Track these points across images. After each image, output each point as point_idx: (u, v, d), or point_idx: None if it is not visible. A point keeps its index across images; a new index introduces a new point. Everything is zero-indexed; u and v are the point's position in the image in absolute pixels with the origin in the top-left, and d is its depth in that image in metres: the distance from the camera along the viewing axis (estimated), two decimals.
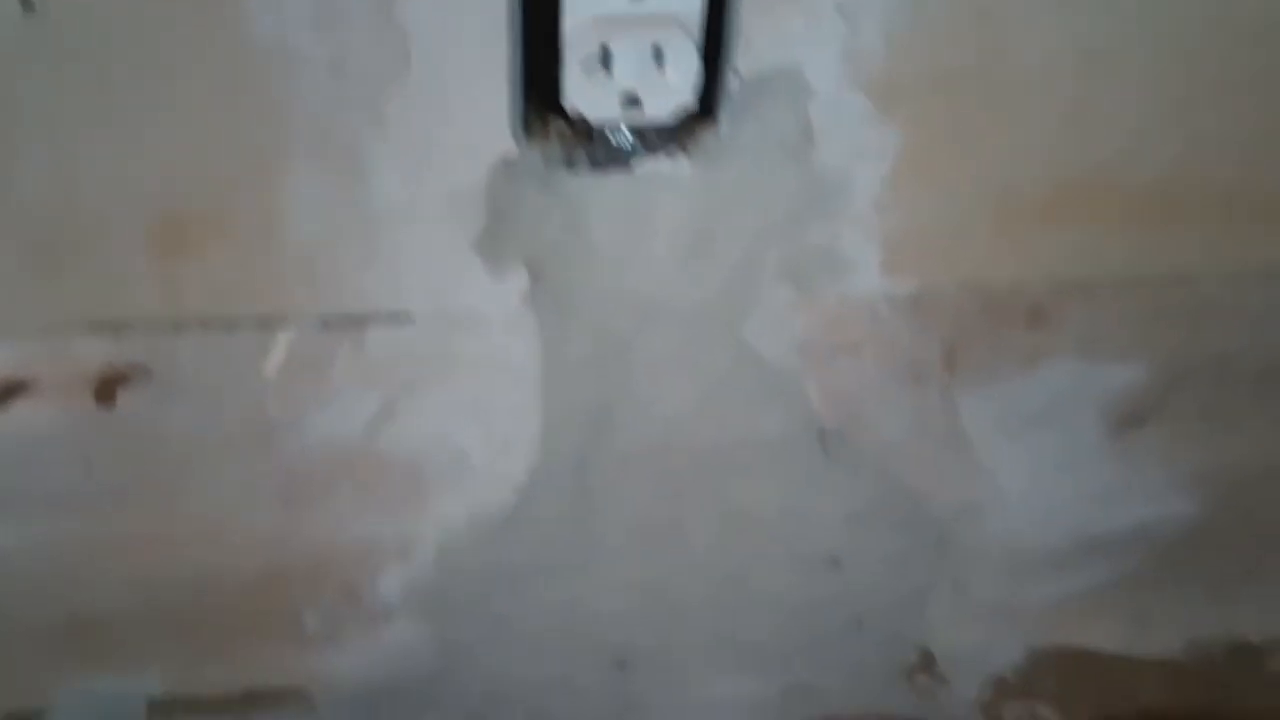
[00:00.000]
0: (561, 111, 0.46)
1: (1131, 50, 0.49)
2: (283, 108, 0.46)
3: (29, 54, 0.44)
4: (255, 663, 0.73)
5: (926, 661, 0.83)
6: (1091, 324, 0.60)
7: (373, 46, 0.44)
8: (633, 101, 0.46)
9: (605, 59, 0.44)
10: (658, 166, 0.49)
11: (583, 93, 0.45)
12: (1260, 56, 0.50)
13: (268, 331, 0.54)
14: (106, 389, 0.54)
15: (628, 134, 0.48)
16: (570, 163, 0.49)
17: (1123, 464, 0.68)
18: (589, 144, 0.48)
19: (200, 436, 0.58)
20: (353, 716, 0.80)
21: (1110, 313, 0.59)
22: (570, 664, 0.79)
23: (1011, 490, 0.69)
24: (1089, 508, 0.71)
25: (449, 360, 0.56)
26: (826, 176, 0.51)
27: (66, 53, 0.44)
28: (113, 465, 0.59)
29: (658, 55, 0.44)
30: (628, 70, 0.45)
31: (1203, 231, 0.56)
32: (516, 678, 0.78)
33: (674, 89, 0.45)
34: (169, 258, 0.50)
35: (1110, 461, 0.67)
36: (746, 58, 0.46)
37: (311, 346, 0.54)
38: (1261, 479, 0.71)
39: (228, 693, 0.75)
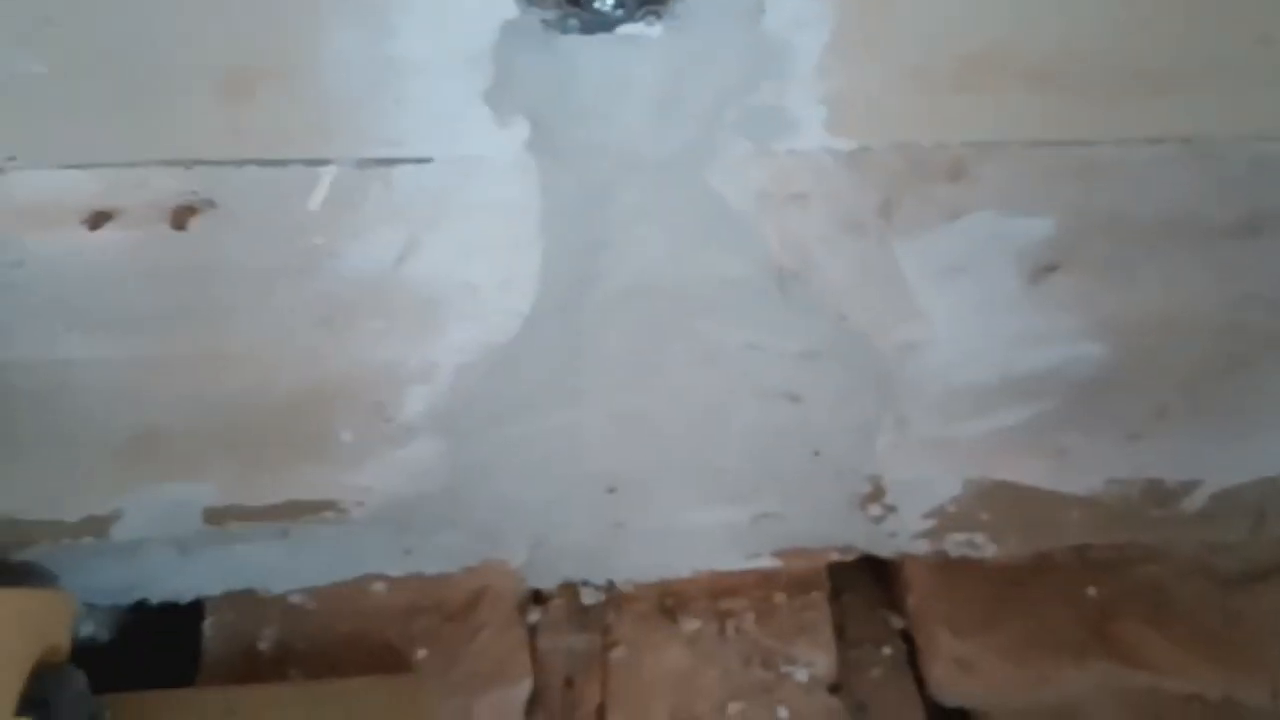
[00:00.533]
0: None
1: None
2: None
3: None
4: (296, 477, 0.86)
5: (877, 491, 0.96)
6: (1005, 181, 0.71)
7: None
8: None
9: None
10: (634, 29, 0.60)
11: None
12: None
13: (313, 170, 0.65)
14: (179, 218, 0.66)
15: (610, 2, 0.59)
16: (563, 27, 0.59)
17: (1037, 309, 0.79)
18: (579, 10, 0.59)
19: (254, 263, 0.69)
20: (382, 531, 0.93)
21: (1021, 171, 0.70)
22: (567, 487, 0.92)
23: (943, 331, 0.80)
24: (1010, 350, 0.82)
25: (463, 200, 0.67)
26: (774, 43, 0.61)
27: None
28: (179, 288, 0.70)
29: None
30: None
31: (1097, 99, 0.67)
32: (521, 494, 0.91)
33: None
34: (234, 104, 0.61)
35: (1026, 307, 0.79)
36: None
37: (349, 184, 0.66)
38: (1160, 326, 0.82)
39: (273, 504, 0.88)
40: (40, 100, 0.60)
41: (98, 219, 0.66)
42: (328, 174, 0.65)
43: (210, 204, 0.66)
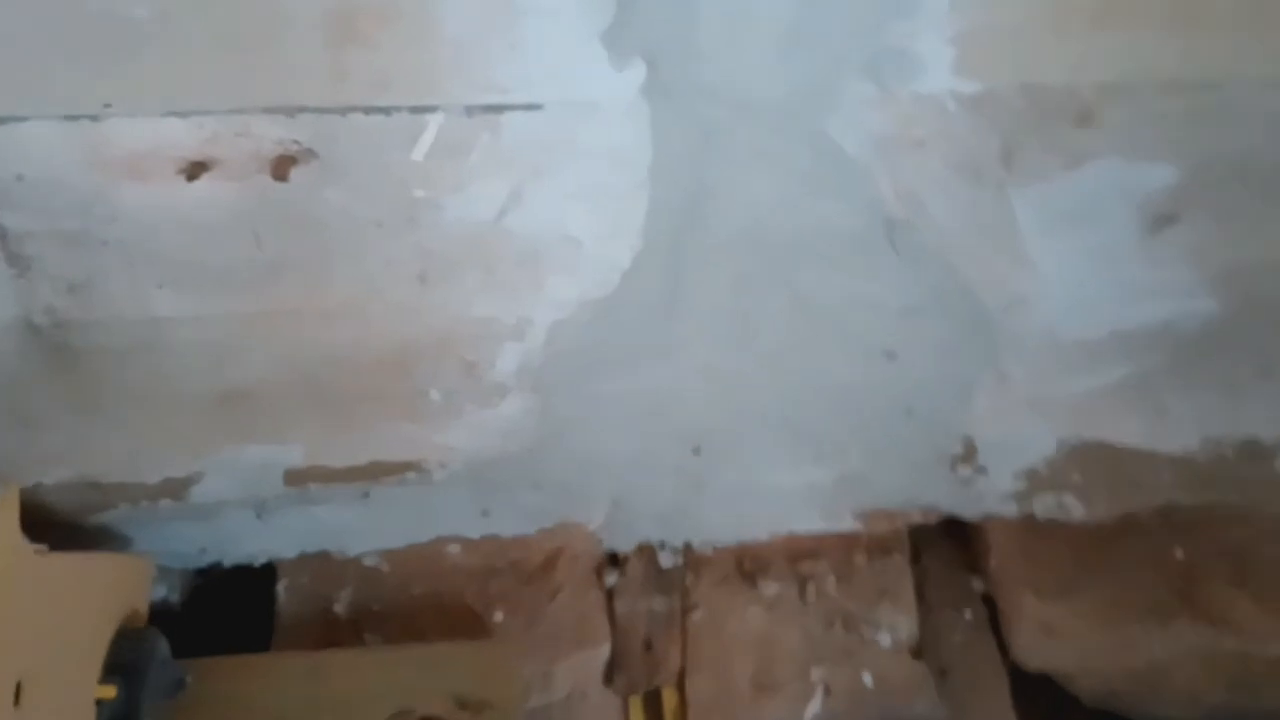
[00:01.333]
0: None
1: None
2: None
3: None
4: (382, 437, 0.84)
5: (969, 452, 0.93)
6: (1133, 125, 0.68)
7: None
8: None
9: None
10: None
11: None
12: None
13: (419, 118, 0.62)
14: (280, 168, 0.63)
15: None
16: None
17: (1154, 262, 0.76)
18: None
19: (354, 214, 0.67)
20: (462, 492, 0.91)
21: (1149, 115, 0.67)
22: (652, 444, 0.90)
23: (1053, 284, 0.77)
24: (1121, 304, 0.79)
25: (572, 148, 0.65)
26: None
27: None
28: (278, 240, 0.68)
29: None
30: None
31: (1234, 38, 0.64)
32: (605, 453, 0.89)
33: None
34: (339, 47, 0.59)
35: (1143, 259, 0.76)
36: None
37: (456, 132, 0.63)
38: (1276, 280, 0.79)
39: (356, 464, 0.86)
40: (139, 45, 0.58)
41: (195, 169, 0.63)
42: (434, 122, 0.62)
43: (312, 154, 0.63)
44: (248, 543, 0.96)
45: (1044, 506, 1.00)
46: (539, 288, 0.73)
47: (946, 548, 1.07)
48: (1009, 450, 0.93)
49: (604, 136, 0.64)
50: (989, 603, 1.05)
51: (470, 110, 0.62)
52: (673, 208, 0.69)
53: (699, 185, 0.68)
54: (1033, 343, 0.82)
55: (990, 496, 0.98)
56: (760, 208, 0.71)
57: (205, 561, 0.97)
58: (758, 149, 0.67)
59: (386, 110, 0.62)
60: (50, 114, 0.60)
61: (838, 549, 1.03)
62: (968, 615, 1.04)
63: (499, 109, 0.62)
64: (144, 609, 0.84)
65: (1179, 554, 1.05)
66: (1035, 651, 1.01)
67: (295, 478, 0.86)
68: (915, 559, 1.05)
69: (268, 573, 0.99)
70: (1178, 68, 0.65)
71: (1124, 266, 0.76)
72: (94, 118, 0.60)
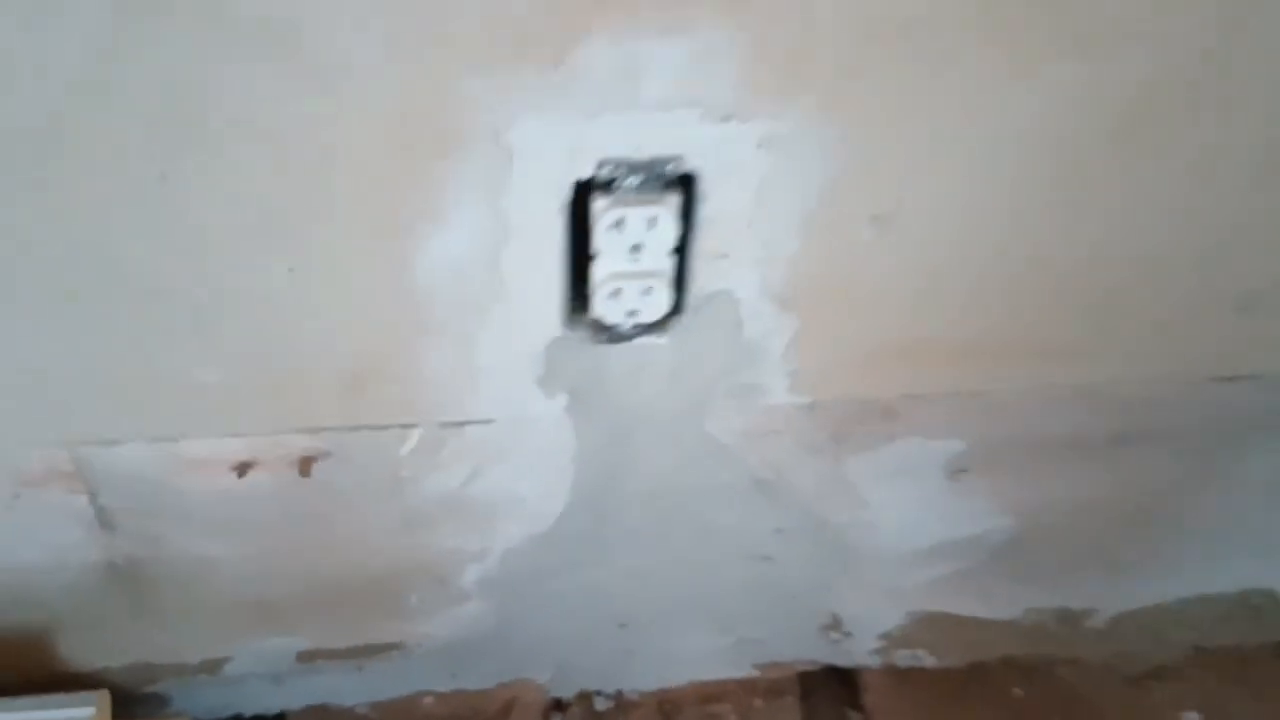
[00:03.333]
0: (591, 315, 0.79)
1: (951, 280, 0.81)
2: (423, 307, 0.78)
3: None
4: (373, 628, 1.08)
5: (836, 622, 1.18)
6: (925, 417, 0.93)
7: (488, 286, 0.76)
8: (632, 313, 0.78)
9: (617, 294, 0.77)
10: (646, 341, 0.82)
11: (604, 311, 0.78)
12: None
13: (406, 430, 0.87)
14: (305, 465, 0.88)
15: (628, 326, 0.81)
16: (595, 340, 0.81)
17: (956, 498, 1.01)
18: (606, 331, 0.81)
19: (357, 489, 0.91)
20: (435, 661, 1.14)
21: (937, 411, 0.93)
22: (586, 625, 1.14)
23: (886, 514, 1.02)
24: (937, 525, 1.05)
25: (517, 445, 0.89)
26: (750, 345, 0.83)
27: None
28: (300, 507, 0.92)
29: (647, 291, 0.77)
30: (629, 298, 0.77)
31: (990, 367, 0.89)
32: (549, 634, 1.13)
33: (656, 308, 0.78)
34: (349, 392, 0.83)
35: (949, 497, 1.01)
36: (698, 285, 0.79)
37: (432, 438, 0.87)
38: (1055, 508, 1.04)
39: (352, 646, 1.09)
40: (207, 395, 0.82)
41: (243, 468, 0.87)
42: (416, 433, 0.87)
43: (328, 454, 0.88)
44: (265, 700, 1.19)
45: (902, 658, 1.24)
46: (494, 529, 0.98)
47: (830, 688, 1.31)
48: (867, 621, 1.18)
49: (539, 438, 0.89)
50: None
51: (443, 425, 0.87)
52: (593, 476, 0.94)
53: (612, 463, 0.93)
54: (875, 552, 1.07)
55: (858, 652, 1.23)
56: (661, 474, 0.95)
57: (229, 714, 1.20)
58: (657, 441, 0.91)
59: (383, 427, 0.86)
60: (140, 438, 0.84)
61: (740, 692, 1.27)
62: None
63: (462, 424, 0.87)
64: None
65: (1018, 692, 1.30)
66: None
67: (305, 656, 1.10)
68: (805, 697, 1.29)
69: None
70: (954, 384, 0.90)
71: (936, 501, 1.02)
72: (172, 440, 0.84)
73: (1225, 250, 0.82)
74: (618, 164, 0.69)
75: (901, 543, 1.06)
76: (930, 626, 1.19)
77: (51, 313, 0.73)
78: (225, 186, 0.67)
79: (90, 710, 0.89)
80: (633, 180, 0.70)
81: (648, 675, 1.24)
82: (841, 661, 1.25)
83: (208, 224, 0.69)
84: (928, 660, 1.25)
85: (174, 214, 0.68)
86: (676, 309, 0.80)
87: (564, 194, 0.70)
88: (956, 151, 0.71)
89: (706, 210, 0.73)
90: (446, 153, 0.66)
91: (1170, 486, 1.05)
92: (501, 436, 0.89)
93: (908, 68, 0.65)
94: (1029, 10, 0.64)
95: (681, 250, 0.75)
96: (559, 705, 1.26)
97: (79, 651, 1.05)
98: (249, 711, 1.20)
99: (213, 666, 1.09)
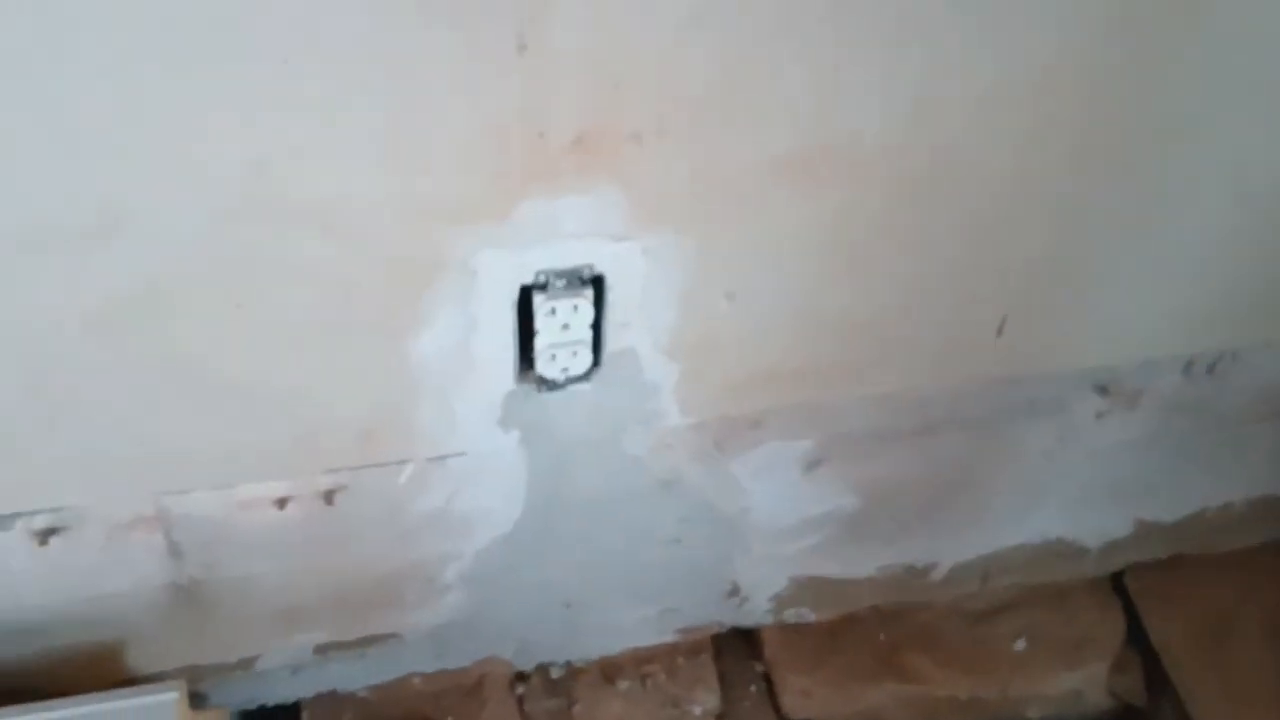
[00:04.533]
0: (536, 373, 1.11)
1: (781, 329, 1.15)
2: (416, 380, 1.09)
3: None
4: (376, 620, 1.38)
5: (735, 589, 1.51)
6: (783, 424, 1.27)
7: (462, 361, 1.08)
8: (565, 369, 1.11)
9: (554, 357, 1.09)
10: (577, 388, 1.14)
11: (545, 368, 1.10)
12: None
13: (402, 465, 1.18)
14: (329, 497, 1.18)
15: (562, 379, 1.13)
16: (539, 390, 1.14)
17: (814, 484, 1.35)
18: (546, 383, 1.13)
19: (367, 512, 1.22)
20: (423, 646, 1.45)
21: (789, 420, 1.27)
22: (541, 608, 1.45)
23: (762, 500, 1.36)
24: (801, 506, 1.38)
25: (485, 470, 1.21)
26: (649, 385, 1.16)
27: None
28: (325, 529, 1.22)
29: (575, 354, 1.10)
30: (562, 359, 1.10)
31: (820, 385, 1.23)
32: (511, 616, 1.44)
33: (581, 364, 1.11)
34: (362, 441, 1.14)
35: (807, 484, 1.35)
36: (610, 346, 1.12)
37: (422, 470, 1.19)
38: (888, 486, 1.39)
39: (360, 637, 1.39)
40: (258, 450, 1.12)
41: (283, 502, 1.17)
42: (410, 467, 1.18)
43: (345, 487, 1.18)
44: (284, 690, 1.48)
45: (790, 615, 1.58)
46: (469, 535, 1.29)
47: (737, 645, 1.64)
48: (759, 586, 1.51)
49: (501, 464, 1.21)
50: (767, 679, 1.62)
51: (430, 459, 1.18)
52: (542, 490, 1.26)
53: (556, 479, 1.25)
54: (758, 531, 1.41)
55: (756, 613, 1.56)
56: (593, 485, 1.28)
57: (255, 704, 1.49)
58: (586, 460, 1.24)
59: (385, 465, 1.17)
60: (205, 487, 1.14)
61: (666, 655, 1.59)
62: (753, 689, 1.61)
63: (444, 457, 1.19)
64: None
65: (883, 636, 1.64)
66: (797, 709, 1.59)
67: (320, 649, 1.39)
68: (718, 655, 1.62)
69: (294, 707, 1.51)
70: (798, 399, 1.24)
71: (798, 488, 1.35)
72: (229, 486, 1.14)
73: (975, 295, 1.17)
74: (550, 273, 1.02)
75: (776, 521, 1.40)
76: (808, 587, 1.53)
77: (152, 405, 1.03)
78: (284, 313, 0.98)
79: (175, 694, 1.17)
80: (560, 282, 1.03)
81: (591, 646, 1.55)
82: (744, 622, 1.59)
83: (269, 339, 1.00)
84: (810, 615, 1.59)
85: (245, 336, 0.99)
86: (596, 364, 1.12)
87: (513, 295, 1.03)
88: (771, 247, 1.05)
89: (612, 297, 1.06)
90: (431, 281, 0.99)
91: (974, 461, 1.40)
92: (473, 465, 1.20)
93: (732, 204, 0.99)
94: (805, 167, 0.98)
95: (597, 324, 1.08)
96: (521, 677, 1.57)
97: (141, 660, 1.33)
98: (271, 701, 1.49)
99: (247, 664, 1.38)
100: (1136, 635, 1.65)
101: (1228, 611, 1.66)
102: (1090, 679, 1.63)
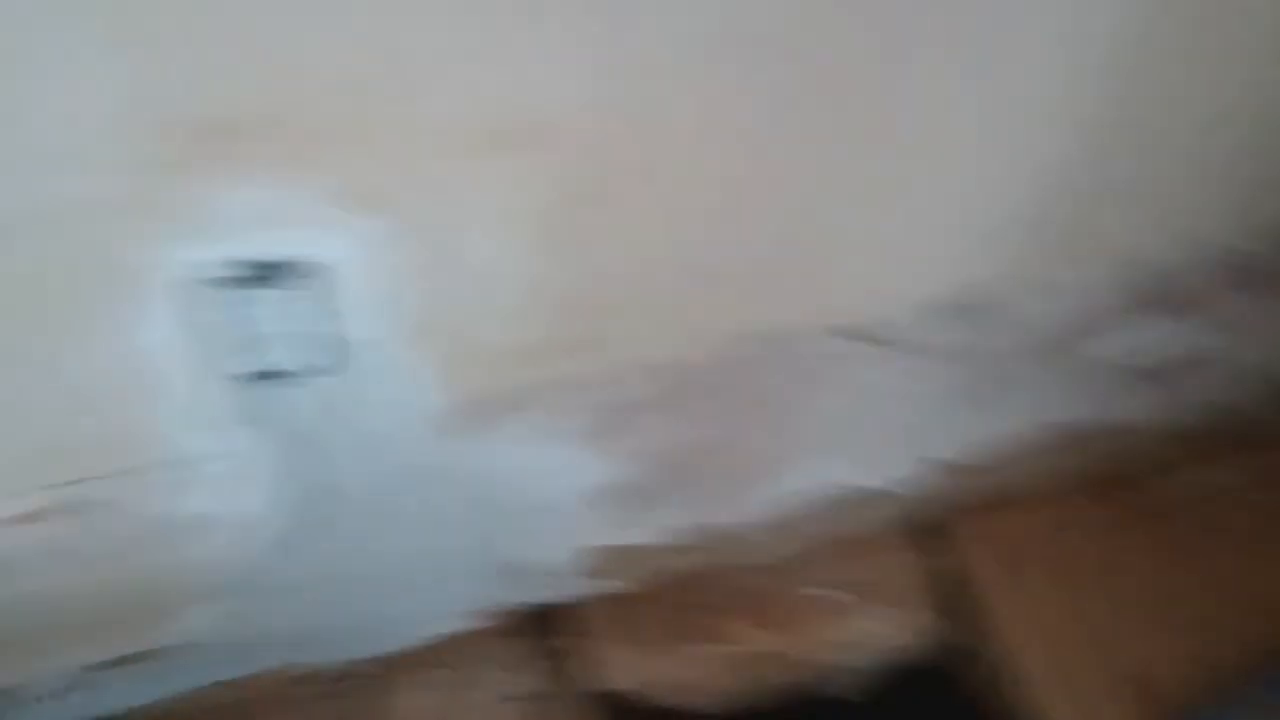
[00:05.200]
0: (269, 368, 1.06)
1: (519, 310, 1.12)
2: (140, 391, 1.04)
3: None
4: (148, 635, 1.32)
5: (538, 566, 1.49)
6: (549, 400, 1.24)
7: (174, 355, 1.03)
8: (300, 361, 1.06)
9: (285, 348, 1.05)
10: (318, 380, 1.10)
11: (278, 361, 1.06)
12: None
13: (144, 473, 1.12)
14: (75, 510, 1.12)
15: (299, 371, 1.08)
16: (273, 384, 1.09)
17: (589, 455, 1.33)
18: (281, 376, 1.08)
19: (114, 523, 1.16)
20: (197, 657, 1.40)
21: (557, 393, 1.24)
22: (317, 606, 1.41)
23: (540, 477, 1.34)
24: (581, 478, 1.36)
25: (231, 472, 1.16)
26: (399, 370, 1.13)
27: None
28: (74, 543, 1.16)
29: (307, 345, 1.05)
30: (295, 352, 1.05)
31: (582, 360, 1.21)
32: (286, 621, 1.40)
33: (318, 356, 1.06)
34: (102, 453, 1.08)
35: (583, 455, 1.32)
36: (349, 335, 1.08)
37: (163, 476, 1.13)
38: (664, 452, 1.38)
39: (121, 656, 1.33)
40: None
41: (30, 518, 1.11)
42: (151, 474, 1.13)
43: (89, 499, 1.12)
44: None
45: (599, 587, 1.56)
46: (227, 538, 1.24)
47: (548, 621, 1.61)
48: (557, 561, 1.49)
49: (249, 463, 1.16)
50: (582, 654, 1.60)
51: (168, 464, 1.13)
52: (300, 487, 1.22)
53: (314, 475, 1.21)
54: (547, 506, 1.39)
55: (562, 589, 1.54)
56: (358, 478, 1.23)
57: None
58: (346, 454, 1.20)
59: (126, 474, 1.11)
60: None
61: (476, 638, 1.56)
62: (568, 664, 1.60)
63: (185, 461, 1.13)
64: None
65: (696, 600, 1.63)
66: (616, 680, 1.56)
67: (89, 669, 1.33)
68: (531, 633, 1.59)
69: None
70: (564, 372, 1.22)
71: (575, 460, 1.33)
72: None
73: (724, 259, 1.16)
74: (261, 265, 0.97)
75: (561, 496, 1.38)
76: (609, 558, 1.52)
77: None
78: None
79: None
80: (274, 273, 0.98)
81: (394, 638, 1.52)
82: (551, 598, 1.57)
83: None
84: (616, 585, 1.58)
85: None
86: (335, 354, 1.08)
87: (225, 290, 0.98)
88: (493, 223, 1.02)
89: (339, 285, 1.01)
90: (126, 282, 0.94)
91: (753, 421, 1.40)
92: (219, 468, 1.14)
93: (447, 182, 0.96)
94: (514, 140, 0.95)
95: (328, 314, 1.03)
96: (306, 679, 1.52)
97: None
98: None
99: (8, 695, 1.31)
100: (947, 578, 1.69)
101: (1036, 550, 1.70)
102: (903, 624, 1.66)
